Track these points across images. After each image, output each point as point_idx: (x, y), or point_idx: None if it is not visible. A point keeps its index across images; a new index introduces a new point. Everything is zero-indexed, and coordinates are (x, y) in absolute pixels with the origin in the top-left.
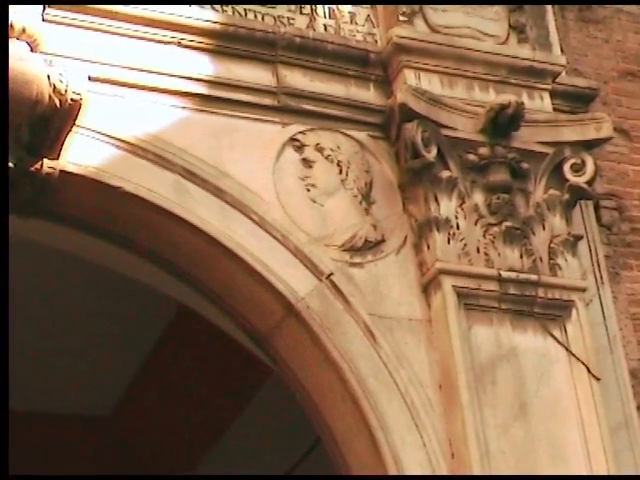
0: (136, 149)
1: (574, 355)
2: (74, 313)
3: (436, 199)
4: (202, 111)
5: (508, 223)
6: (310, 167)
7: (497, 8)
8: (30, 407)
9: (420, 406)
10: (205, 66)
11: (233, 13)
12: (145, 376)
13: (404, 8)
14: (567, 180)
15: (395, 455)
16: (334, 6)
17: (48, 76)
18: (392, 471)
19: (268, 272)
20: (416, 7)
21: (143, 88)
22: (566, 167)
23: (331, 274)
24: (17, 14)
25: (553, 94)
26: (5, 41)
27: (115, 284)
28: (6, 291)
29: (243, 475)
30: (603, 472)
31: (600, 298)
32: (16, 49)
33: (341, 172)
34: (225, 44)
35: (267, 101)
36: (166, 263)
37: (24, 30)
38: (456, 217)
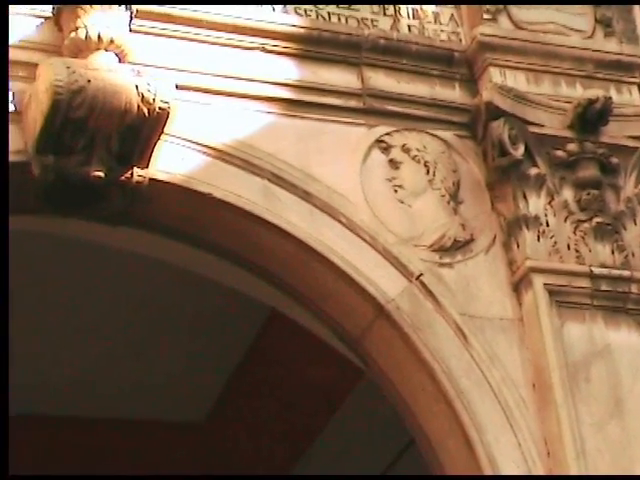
0: (224, 155)
1: None
2: (165, 320)
3: (525, 197)
4: (289, 115)
5: (598, 219)
6: (397, 168)
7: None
8: (123, 414)
9: (514, 405)
10: (290, 70)
11: (317, 17)
12: (238, 381)
13: (488, 6)
14: None
15: (490, 455)
16: (418, 6)
17: (136, 86)
18: (487, 471)
19: (358, 274)
20: (500, 5)
21: (229, 94)
22: None
23: (421, 275)
24: (105, 26)
25: None
26: (5, 40)
27: (206, 290)
28: (6, 294)
29: (336, 475)
30: None
31: None
32: (105, 60)
33: (428, 172)
34: (310, 48)
35: (353, 103)
36: (257, 268)
37: (112, 41)
38: (545, 214)
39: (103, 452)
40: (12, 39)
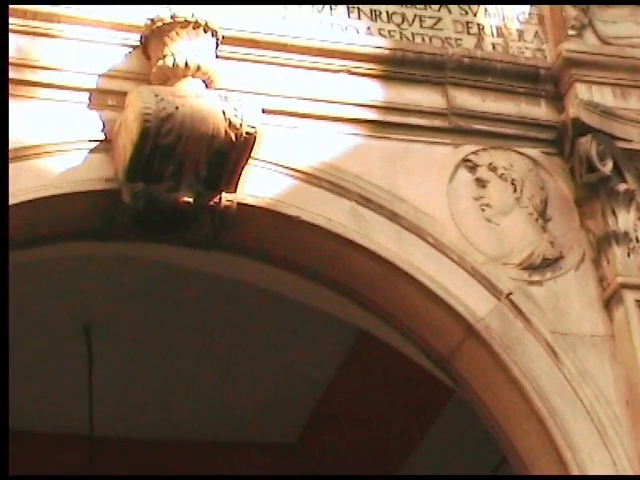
0: (311, 178)
1: None
2: (255, 342)
3: (614, 213)
4: (375, 137)
5: None
6: (484, 187)
7: None
8: (213, 437)
9: (607, 423)
10: (375, 92)
11: (401, 38)
12: (328, 403)
13: (573, 22)
14: None
15: (585, 474)
16: (502, 24)
17: (223, 111)
18: None
19: (446, 294)
20: (585, 20)
21: (315, 117)
22: None
23: (510, 293)
24: (192, 53)
25: None
26: (5, 41)
27: (295, 312)
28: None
29: None
30: None
31: None
32: (192, 87)
33: (515, 190)
34: (394, 69)
35: (438, 123)
36: (345, 289)
37: (199, 68)
38: (635, 230)
39: (194, 475)
40: (102, 69)
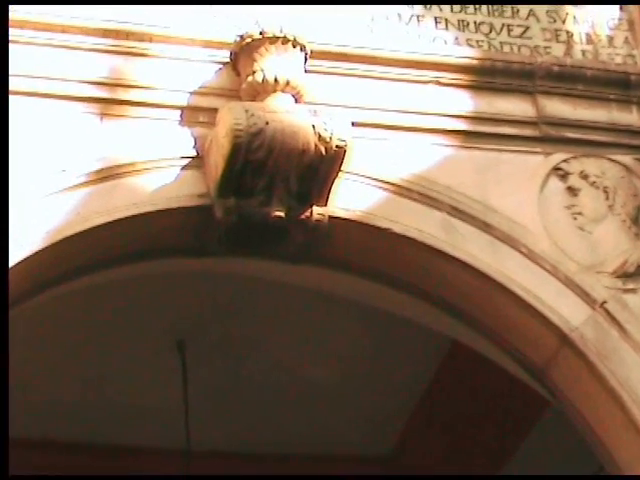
0: (402, 190)
1: None
2: (348, 355)
3: None
4: (465, 147)
5: None
6: (575, 195)
7: None
8: (307, 450)
9: None
10: (465, 102)
11: (489, 47)
12: (422, 414)
13: None
14: None
15: None
16: (591, 31)
17: (313, 126)
18: None
19: (540, 304)
20: None
21: (405, 129)
22: None
23: (605, 302)
24: (281, 68)
25: None
26: (5, 40)
27: (388, 324)
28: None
29: None
30: None
31: None
32: (282, 102)
33: (608, 198)
34: (483, 79)
35: (528, 132)
36: (438, 300)
37: (288, 83)
38: None
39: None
40: (193, 86)
